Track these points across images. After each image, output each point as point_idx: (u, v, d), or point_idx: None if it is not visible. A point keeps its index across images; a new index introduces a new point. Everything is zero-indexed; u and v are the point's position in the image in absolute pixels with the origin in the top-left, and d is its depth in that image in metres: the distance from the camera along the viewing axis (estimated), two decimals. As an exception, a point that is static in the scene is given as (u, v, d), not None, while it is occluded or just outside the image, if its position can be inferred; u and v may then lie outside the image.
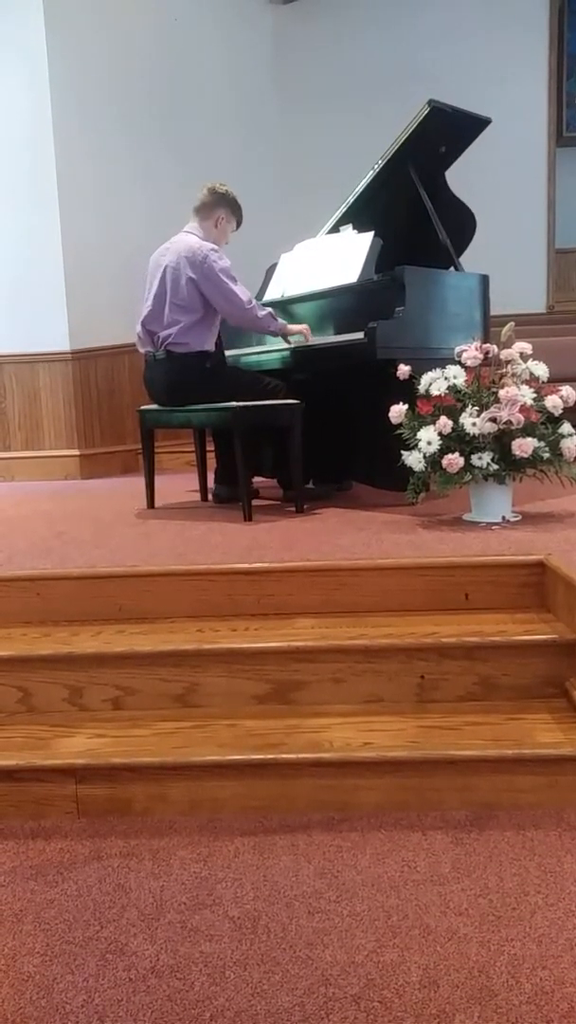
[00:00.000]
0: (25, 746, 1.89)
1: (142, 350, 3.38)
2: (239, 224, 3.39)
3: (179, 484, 4.07)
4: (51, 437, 5.08)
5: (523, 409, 2.60)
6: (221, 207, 3.30)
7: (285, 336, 3.41)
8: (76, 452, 5.05)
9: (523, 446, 2.58)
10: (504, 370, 2.74)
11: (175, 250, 3.24)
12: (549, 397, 2.69)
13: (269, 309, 3.31)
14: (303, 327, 3.39)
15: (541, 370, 2.76)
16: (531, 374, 2.75)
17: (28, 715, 2.04)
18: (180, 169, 5.35)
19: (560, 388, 2.73)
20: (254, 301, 3.27)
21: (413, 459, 2.70)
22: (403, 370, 2.84)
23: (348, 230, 3.62)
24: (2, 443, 5.12)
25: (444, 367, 2.78)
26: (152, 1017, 1.22)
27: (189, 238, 3.26)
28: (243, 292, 3.21)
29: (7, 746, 1.89)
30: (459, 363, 2.78)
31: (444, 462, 2.62)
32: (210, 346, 3.26)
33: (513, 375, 2.72)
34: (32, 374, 5.04)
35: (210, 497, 3.70)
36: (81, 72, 4.95)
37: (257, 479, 3.67)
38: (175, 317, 3.19)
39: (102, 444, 5.19)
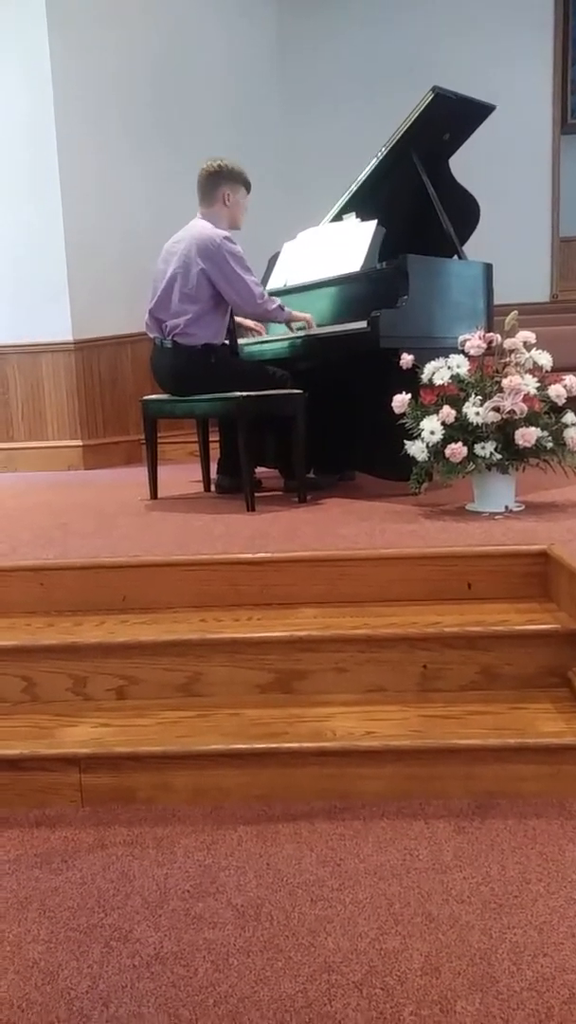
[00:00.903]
0: (29, 735, 1.90)
1: (150, 335, 3.36)
2: (248, 188, 3.29)
3: (182, 474, 4.07)
4: (54, 427, 5.09)
5: (526, 398, 2.59)
6: (221, 183, 3.23)
7: (290, 323, 3.38)
8: (79, 442, 5.05)
9: (526, 435, 2.57)
10: (507, 359, 2.73)
11: (188, 238, 3.20)
12: (553, 386, 2.68)
13: (278, 300, 3.27)
14: (307, 316, 3.37)
15: (545, 359, 2.75)
16: (535, 363, 2.74)
17: (32, 704, 2.05)
18: (182, 160, 5.31)
19: (564, 377, 2.72)
20: (265, 293, 3.23)
21: (416, 449, 2.69)
22: (406, 359, 2.83)
23: (351, 218, 3.60)
24: (5, 434, 5.12)
25: (447, 356, 2.77)
26: (156, 1003, 1.23)
27: (202, 224, 3.21)
28: (254, 283, 3.17)
29: (11, 735, 1.90)
30: (462, 352, 2.77)
31: (447, 452, 2.62)
32: (217, 339, 3.23)
33: (516, 364, 2.71)
34: (35, 364, 5.04)
35: (213, 487, 3.70)
36: (83, 65, 4.92)
37: (260, 469, 3.67)
38: (183, 307, 3.17)
39: (105, 434, 5.19)
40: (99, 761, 1.80)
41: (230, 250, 3.12)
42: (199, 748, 1.80)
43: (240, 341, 3.65)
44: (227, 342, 3.31)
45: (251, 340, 3.66)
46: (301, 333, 3.41)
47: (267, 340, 3.63)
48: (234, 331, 3.38)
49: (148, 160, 5.27)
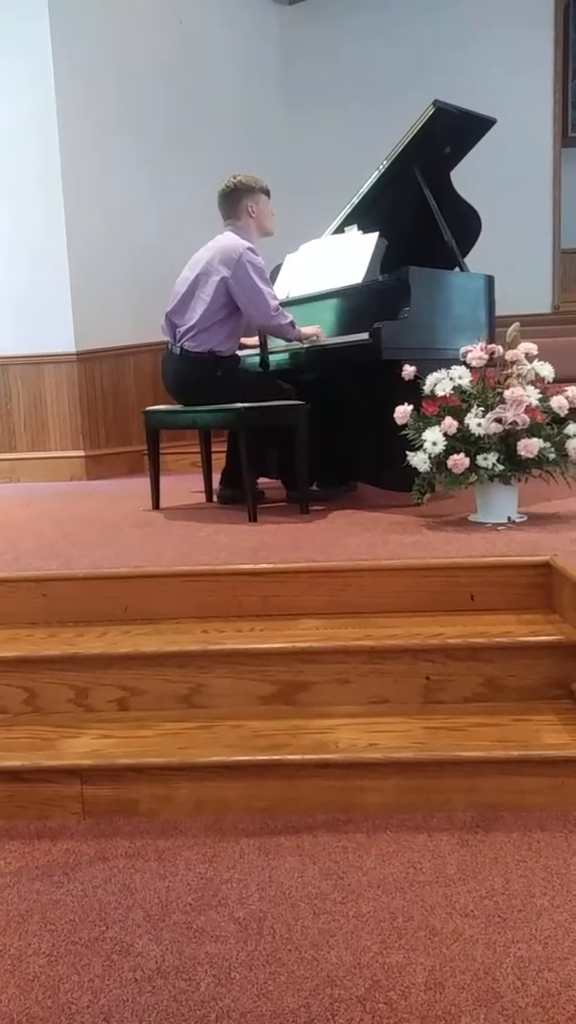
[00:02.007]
0: (31, 747, 1.89)
1: (166, 337, 3.38)
2: (268, 194, 3.32)
3: (184, 485, 4.07)
4: (56, 438, 5.09)
5: (529, 410, 2.60)
6: (242, 198, 3.26)
7: (301, 340, 3.38)
8: (81, 453, 5.06)
9: (529, 447, 2.57)
10: (509, 370, 2.74)
11: (214, 246, 3.23)
12: (555, 397, 2.68)
13: (291, 316, 3.28)
14: (316, 329, 3.36)
15: (547, 370, 2.76)
16: (537, 374, 2.75)
17: (34, 716, 2.04)
18: (186, 171, 5.37)
19: (566, 388, 2.72)
20: (280, 308, 3.24)
21: (418, 460, 2.70)
22: (408, 371, 2.84)
23: (353, 231, 3.62)
24: (8, 444, 5.13)
25: (449, 368, 2.78)
26: (158, 1018, 1.22)
27: (230, 236, 3.24)
28: (271, 296, 3.19)
29: (13, 747, 1.90)
30: (464, 364, 2.78)
31: (449, 463, 2.62)
32: (226, 350, 3.24)
33: (519, 375, 2.72)
34: (38, 375, 5.05)
35: (215, 498, 3.71)
36: (87, 74, 4.96)
37: (262, 480, 3.67)
38: (196, 312, 3.19)
39: (107, 445, 5.20)
40: (101, 772, 1.79)
41: (251, 260, 3.14)
42: (201, 760, 1.79)
43: (240, 353, 3.66)
44: (237, 354, 3.33)
45: (253, 352, 3.67)
46: (308, 344, 3.42)
47: (269, 351, 3.63)
48: (265, 346, 3.40)
49: (152, 171, 5.30)
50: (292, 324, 3.26)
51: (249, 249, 3.16)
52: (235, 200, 3.27)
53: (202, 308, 3.18)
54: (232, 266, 3.13)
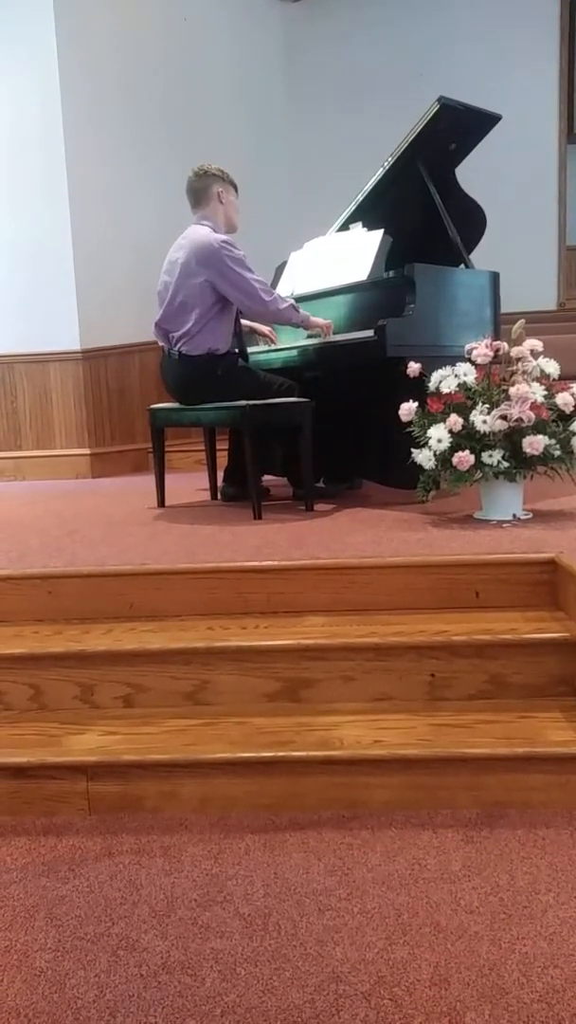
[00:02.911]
0: (37, 743, 1.90)
1: (161, 344, 3.37)
2: (236, 190, 3.31)
3: (189, 483, 4.07)
4: (62, 436, 5.10)
5: (534, 407, 2.59)
6: (212, 183, 3.23)
7: (308, 327, 3.34)
8: (87, 451, 5.07)
9: (534, 444, 2.57)
10: (515, 367, 2.73)
11: (187, 245, 3.18)
12: (560, 394, 2.68)
13: (291, 300, 3.24)
14: (327, 322, 3.33)
15: (552, 367, 2.75)
16: (542, 371, 2.74)
17: (40, 712, 2.05)
18: (190, 168, 5.36)
19: (571, 385, 2.71)
20: (274, 292, 3.21)
21: (423, 457, 2.69)
22: (413, 368, 2.83)
23: (358, 228, 3.61)
24: (13, 442, 5.15)
25: (454, 365, 2.77)
26: (163, 1013, 1.22)
27: (200, 230, 3.20)
28: (260, 282, 3.13)
29: (19, 743, 1.90)
30: (469, 361, 2.77)
31: (454, 460, 2.61)
32: (223, 347, 3.21)
33: (524, 372, 2.71)
34: (43, 373, 5.06)
35: (219, 496, 3.71)
36: (92, 73, 4.97)
37: (267, 477, 3.67)
38: (187, 316, 3.17)
39: (112, 443, 5.21)
40: (106, 769, 1.80)
41: (229, 253, 3.09)
42: (206, 756, 1.80)
43: (251, 350, 3.66)
44: (235, 351, 3.30)
45: (260, 348, 3.67)
46: (314, 341, 3.42)
47: (274, 349, 3.64)
48: (241, 336, 3.38)
49: (156, 170, 5.30)
50: (295, 308, 3.22)
51: (224, 243, 3.11)
52: (205, 184, 3.23)
53: (193, 313, 3.14)
54: (212, 264, 3.09)
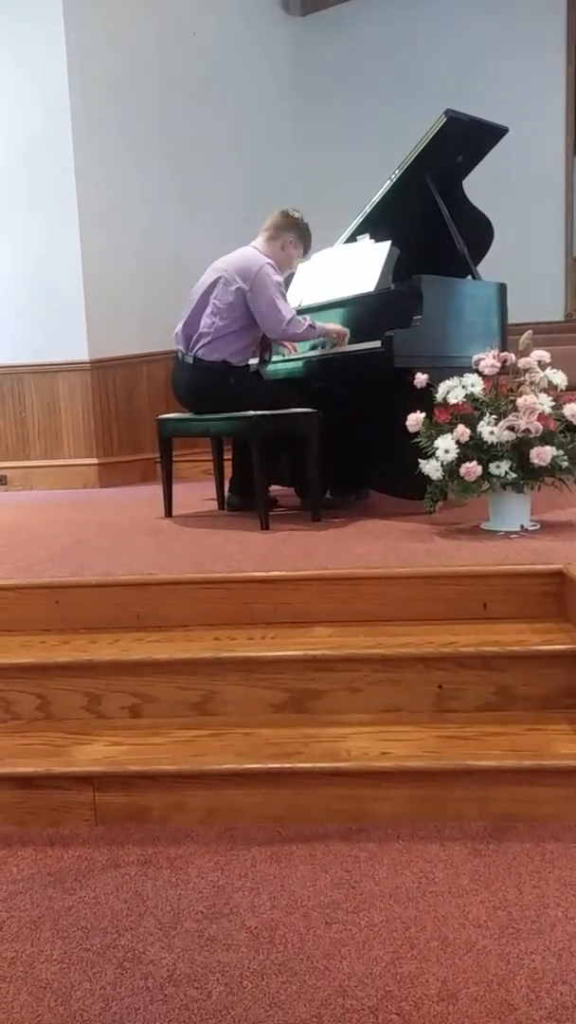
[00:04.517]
0: (44, 753, 1.90)
1: (176, 347, 3.40)
2: (306, 252, 3.41)
3: (196, 493, 4.08)
4: (70, 446, 5.13)
5: (541, 417, 2.59)
6: (291, 231, 3.31)
7: (327, 336, 3.37)
8: (95, 461, 5.09)
9: (541, 454, 2.57)
10: (522, 378, 2.73)
11: (234, 258, 3.26)
12: (567, 405, 2.67)
13: (309, 320, 3.28)
14: (339, 328, 3.35)
15: (559, 378, 2.75)
16: (549, 382, 2.74)
17: (46, 722, 2.05)
18: (200, 180, 5.41)
19: (579, 396, 2.71)
20: (296, 319, 3.23)
21: (430, 468, 2.69)
22: (420, 378, 2.83)
23: (365, 240, 3.63)
24: (22, 452, 5.17)
25: (462, 375, 2.77)
26: (169, 1026, 1.22)
27: (251, 250, 3.28)
28: (287, 309, 3.21)
29: (26, 753, 1.90)
30: (477, 371, 2.77)
31: (462, 470, 2.61)
32: (239, 360, 3.26)
33: (531, 383, 2.71)
34: (51, 384, 5.09)
35: (225, 506, 3.71)
36: (101, 86, 5.01)
37: (273, 487, 3.68)
38: (212, 320, 3.21)
39: (120, 453, 5.23)
40: (113, 780, 1.79)
41: (270, 275, 3.17)
42: (213, 767, 1.79)
43: (254, 361, 3.67)
44: (248, 364, 3.34)
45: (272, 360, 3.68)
46: (319, 352, 3.43)
47: (282, 360, 3.65)
48: (268, 356, 3.39)
49: (166, 182, 5.34)
50: (312, 326, 3.26)
51: (269, 263, 3.19)
52: (285, 228, 3.30)
53: (219, 317, 3.19)
54: (251, 279, 3.15)
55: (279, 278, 3.21)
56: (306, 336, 3.30)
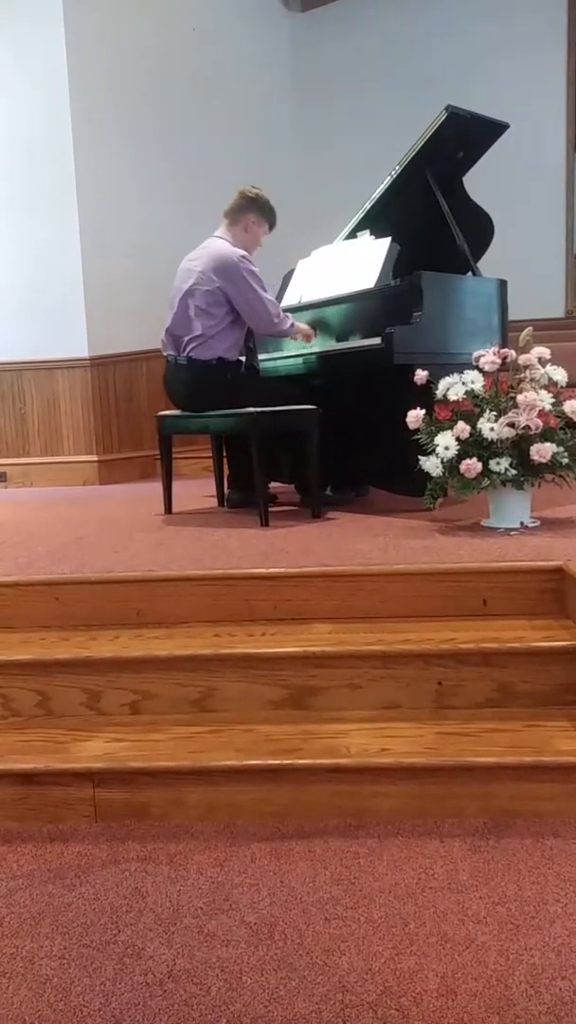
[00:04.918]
0: (43, 749, 1.90)
1: (165, 353, 3.39)
2: (272, 227, 3.38)
3: (196, 489, 4.08)
4: (70, 443, 5.13)
5: (541, 414, 2.59)
6: (251, 211, 3.29)
7: (295, 335, 3.42)
8: (94, 458, 5.09)
9: (541, 451, 2.57)
10: (522, 375, 2.73)
11: (205, 256, 3.23)
12: (568, 402, 2.67)
13: (292, 318, 3.31)
14: (307, 328, 3.41)
15: (560, 375, 2.75)
16: (549, 379, 2.74)
17: (46, 719, 2.05)
18: (200, 176, 5.40)
19: (579, 393, 2.71)
20: (281, 313, 3.26)
21: (430, 464, 2.69)
22: (420, 375, 2.83)
23: (365, 236, 3.62)
24: (22, 449, 5.17)
25: (462, 372, 2.77)
26: (169, 1021, 1.22)
27: (219, 243, 3.26)
28: (271, 303, 3.21)
29: (26, 749, 1.90)
30: (477, 368, 2.77)
31: (462, 467, 2.61)
32: (232, 355, 3.26)
33: (531, 380, 2.71)
34: (51, 380, 5.09)
35: (225, 502, 3.71)
36: (101, 84, 5.00)
37: (273, 484, 3.68)
38: (200, 322, 3.20)
39: (120, 450, 5.23)
40: (113, 776, 1.80)
41: (248, 268, 3.16)
42: (213, 764, 1.79)
43: (260, 357, 3.67)
44: (241, 359, 3.33)
45: (266, 356, 3.68)
46: (320, 349, 3.43)
47: (281, 356, 3.65)
48: (254, 349, 3.40)
49: (166, 179, 5.33)
50: (291, 326, 3.30)
51: (243, 258, 3.18)
52: (245, 208, 3.29)
53: (206, 317, 3.18)
54: (228, 275, 3.14)
55: (256, 268, 3.19)
56: (288, 334, 3.32)
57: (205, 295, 3.18)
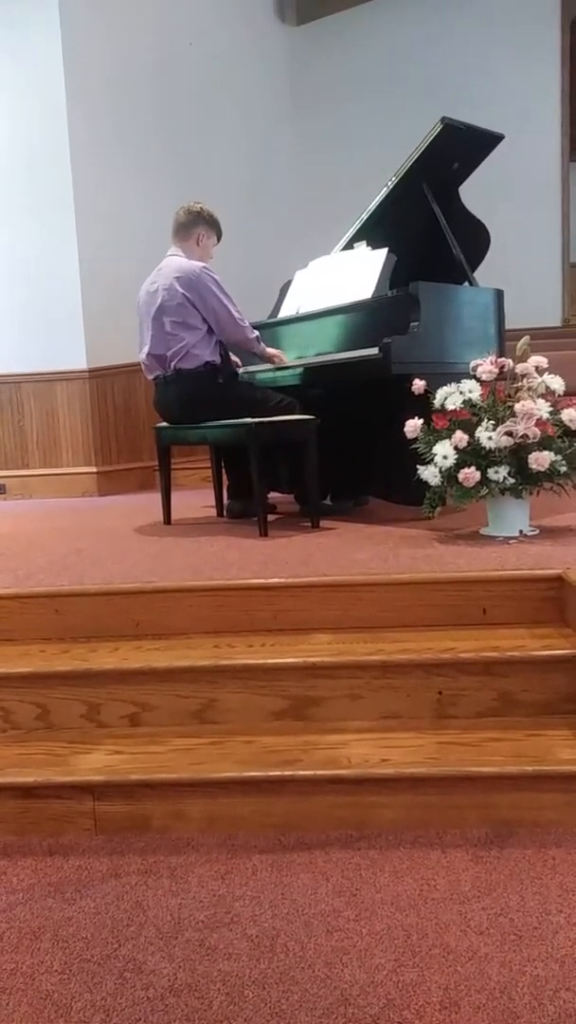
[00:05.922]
0: (44, 763, 1.89)
1: (150, 376, 3.41)
2: (219, 238, 3.45)
3: (195, 500, 4.08)
4: (68, 454, 5.13)
5: (539, 423, 2.59)
6: (199, 225, 3.36)
7: (263, 357, 3.50)
8: (93, 469, 5.09)
9: (540, 460, 2.57)
10: (520, 384, 2.74)
11: (165, 274, 3.28)
12: (565, 410, 2.68)
13: (256, 332, 3.38)
14: (277, 352, 3.49)
15: (557, 384, 2.76)
16: (547, 388, 2.74)
17: (46, 731, 2.04)
18: (196, 189, 5.40)
19: (576, 401, 2.72)
20: (245, 320, 3.31)
21: (429, 473, 2.70)
22: (418, 385, 2.84)
23: (362, 247, 3.64)
24: (20, 460, 5.17)
25: (459, 381, 2.78)
26: (170, 1037, 1.21)
27: (176, 259, 3.32)
28: (235, 308, 3.26)
29: (26, 762, 1.90)
30: (474, 377, 2.78)
31: (460, 476, 2.62)
32: (219, 360, 3.29)
33: (529, 389, 2.72)
34: (50, 392, 5.10)
35: (225, 513, 3.72)
36: (98, 95, 5.03)
37: (272, 494, 3.68)
38: (179, 334, 3.23)
39: (119, 461, 5.23)
40: (113, 789, 1.79)
41: (211, 277, 3.23)
42: (213, 776, 1.79)
43: (251, 368, 3.69)
44: (229, 364, 3.37)
45: (265, 367, 3.69)
46: (319, 359, 3.45)
47: (279, 367, 3.65)
48: (227, 356, 3.42)
49: (163, 191, 5.34)
50: (258, 340, 3.37)
51: (204, 268, 3.24)
52: (193, 223, 3.36)
53: (184, 330, 3.22)
54: (192, 285, 3.20)
55: (218, 277, 3.25)
56: (252, 347, 3.38)
57: (178, 309, 3.21)
